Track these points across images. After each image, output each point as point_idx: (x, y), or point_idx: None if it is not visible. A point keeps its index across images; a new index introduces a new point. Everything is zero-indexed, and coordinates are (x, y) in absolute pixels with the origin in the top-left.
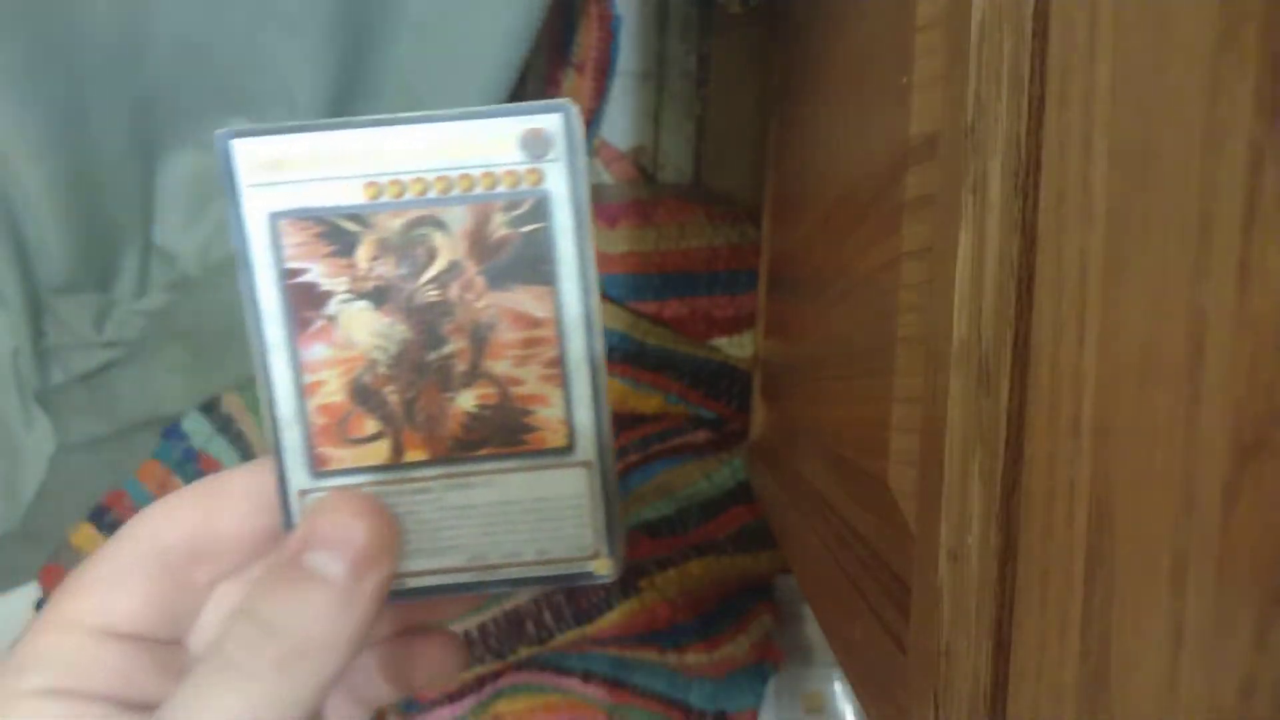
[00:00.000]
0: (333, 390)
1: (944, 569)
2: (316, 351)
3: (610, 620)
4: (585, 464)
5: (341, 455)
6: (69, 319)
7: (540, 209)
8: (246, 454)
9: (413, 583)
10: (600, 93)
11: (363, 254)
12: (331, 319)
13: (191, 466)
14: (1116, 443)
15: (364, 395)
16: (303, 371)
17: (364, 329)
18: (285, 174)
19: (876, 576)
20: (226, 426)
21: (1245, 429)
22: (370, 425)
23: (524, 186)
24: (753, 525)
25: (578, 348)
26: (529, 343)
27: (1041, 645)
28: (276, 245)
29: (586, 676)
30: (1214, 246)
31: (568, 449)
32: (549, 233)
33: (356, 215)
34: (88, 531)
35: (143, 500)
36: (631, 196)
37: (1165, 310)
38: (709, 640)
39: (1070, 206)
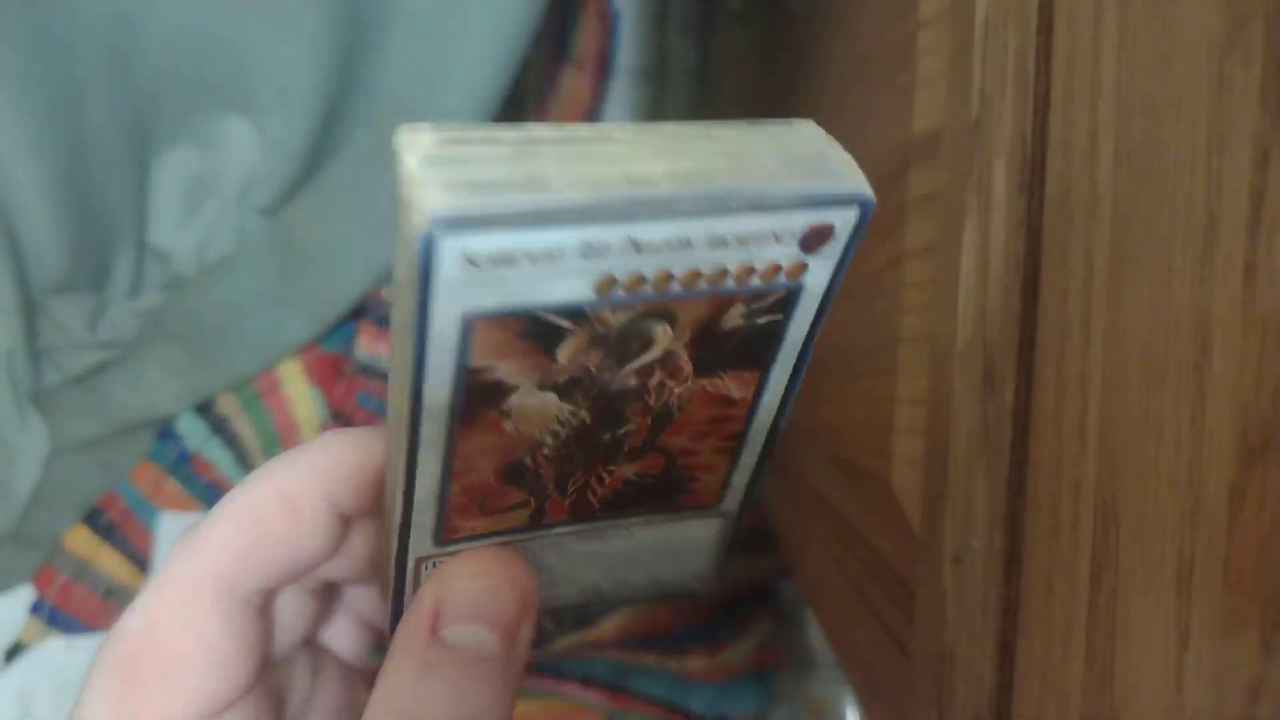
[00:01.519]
0: (483, 473)
1: (948, 572)
2: (476, 443)
3: (610, 624)
4: (724, 515)
5: (473, 525)
6: (63, 319)
7: (788, 302)
8: (241, 456)
9: None
10: (599, 90)
11: (567, 351)
12: (505, 413)
13: (186, 468)
14: (1122, 444)
15: (517, 475)
16: (454, 460)
17: (540, 418)
18: (499, 272)
19: (879, 579)
20: (221, 428)
21: (1251, 430)
22: (514, 497)
23: (780, 280)
24: (754, 528)
25: (762, 423)
26: (715, 420)
27: (1046, 648)
28: (463, 347)
29: (586, 681)
30: (1219, 245)
31: (715, 505)
32: (783, 325)
33: (575, 313)
34: (82, 534)
35: (136, 502)
36: None
37: (1171, 310)
38: (710, 645)
39: (1075, 205)
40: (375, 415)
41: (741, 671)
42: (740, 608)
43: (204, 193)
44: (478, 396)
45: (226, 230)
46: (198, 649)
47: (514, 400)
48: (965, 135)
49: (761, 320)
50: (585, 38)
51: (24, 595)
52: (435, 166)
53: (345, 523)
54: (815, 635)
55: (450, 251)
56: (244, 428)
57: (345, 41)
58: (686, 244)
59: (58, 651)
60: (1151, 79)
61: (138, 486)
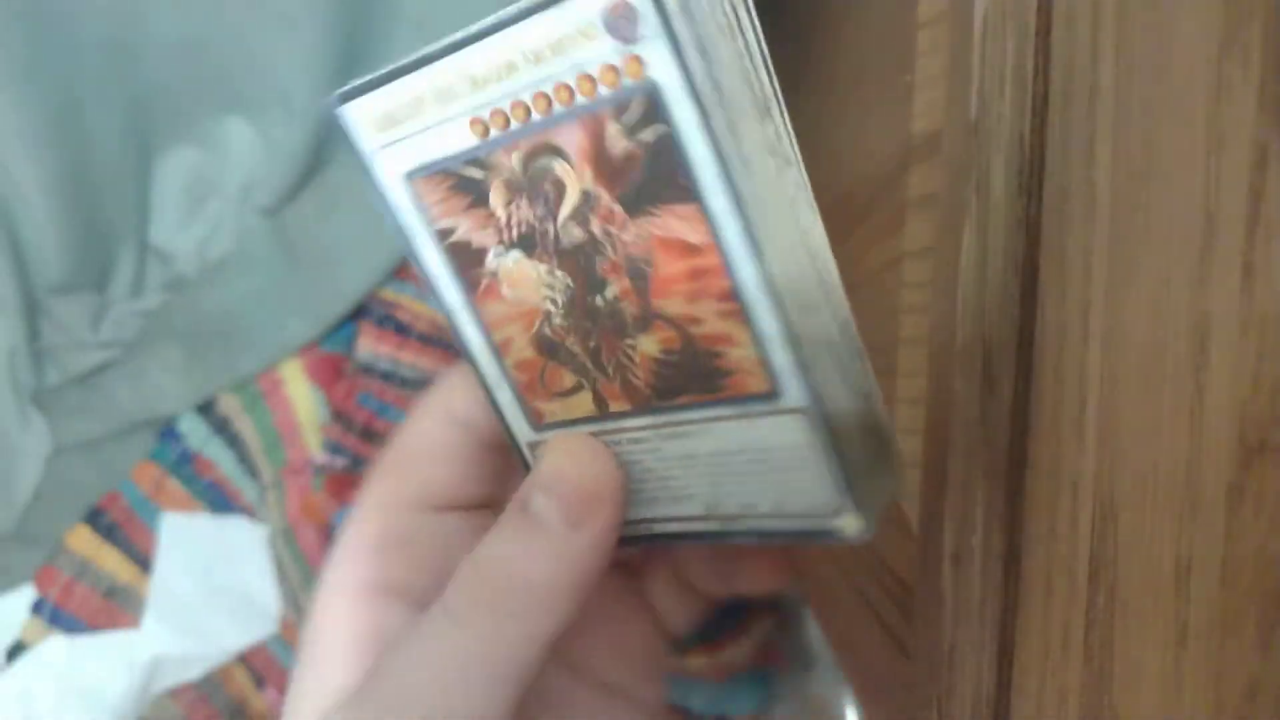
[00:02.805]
0: (521, 346)
1: (947, 571)
2: (494, 309)
3: None
4: (796, 411)
5: (552, 409)
6: (65, 319)
7: (656, 108)
8: (244, 456)
9: (653, 529)
10: None
11: (496, 200)
12: (494, 275)
13: (188, 468)
14: (1120, 444)
15: (551, 348)
16: (489, 330)
17: (526, 280)
18: (401, 128)
19: (879, 579)
20: (223, 428)
21: (1249, 430)
22: (567, 378)
23: (626, 81)
24: None
25: (748, 274)
26: (694, 274)
27: (1045, 648)
28: (420, 207)
29: None
30: (1218, 246)
31: (771, 394)
32: (674, 135)
33: (475, 159)
34: (83, 533)
35: (138, 502)
36: None
37: (1169, 311)
38: (710, 644)
39: (1074, 205)
40: (376, 415)
41: (741, 670)
42: (740, 607)
43: (205, 193)
44: (461, 260)
45: (228, 231)
46: (423, 450)
47: (491, 262)
48: (964, 136)
49: (646, 136)
50: None
51: (25, 595)
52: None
53: (494, 449)
54: (816, 635)
55: (354, 114)
56: (245, 427)
57: (346, 42)
58: (511, 65)
59: (59, 651)
60: (1150, 80)
61: (139, 486)
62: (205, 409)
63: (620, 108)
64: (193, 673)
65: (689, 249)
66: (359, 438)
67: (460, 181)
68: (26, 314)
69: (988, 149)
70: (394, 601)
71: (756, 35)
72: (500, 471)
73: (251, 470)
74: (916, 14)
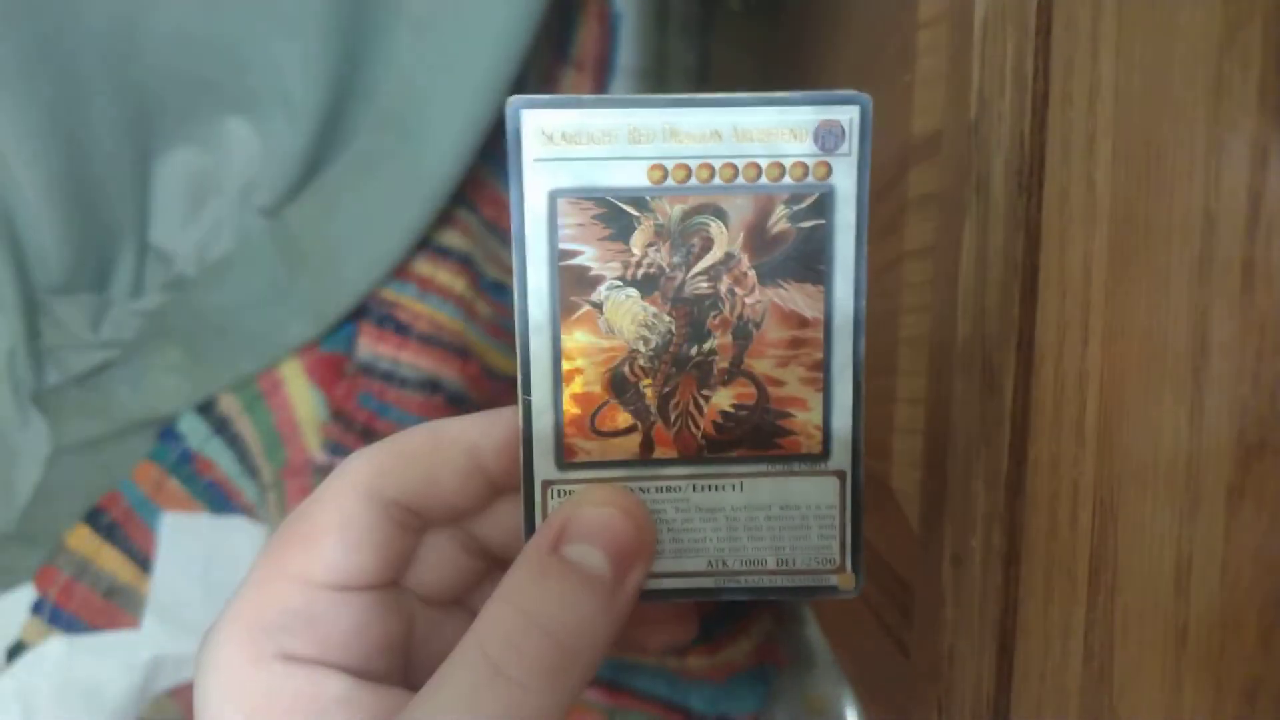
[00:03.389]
0: (590, 380)
1: (947, 571)
2: (578, 338)
3: None
4: (838, 473)
5: (589, 447)
6: (65, 319)
7: (823, 204)
8: (243, 456)
9: (656, 584)
10: (600, 91)
11: (639, 240)
12: (598, 305)
13: (187, 468)
14: (1120, 443)
15: (621, 387)
16: (562, 358)
17: (630, 318)
18: (570, 149)
19: (879, 579)
20: (223, 428)
21: (1249, 429)
22: (623, 419)
23: (810, 180)
24: None
25: (843, 351)
26: (795, 343)
27: (1045, 648)
28: (553, 224)
29: None
30: (1217, 245)
31: (822, 456)
32: (829, 230)
33: (638, 199)
34: (83, 533)
35: (138, 502)
36: None
37: (1169, 310)
38: (710, 643)
39: (1074, 205)
40: (376, 415)
41: (741, 670)
42: (740, 606)
43: (205, 193)
44: (570, 282)
45: (228, 231)
46: (334, 526)
47: (603, 293)
48: (964, 136)
49: (806, 224)
50: (585, 39)
51: (25, 595)
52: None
53: (489, 483)
54: (815, 634)
55: (528, 123)
56: (245, 428)
57: (346, 43)
58: (717, 134)
59: (59, 651)
60: (1149, 80)
61: (139, 486)
62: (205, 409)
63: (795, 197)
64: (193, 672)
65: (800, 321)
66: (359, 438)
67: (609, 212)
68: (27, 314)
69: (988, 149)
70: (294, 669)
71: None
72: (409, 554)
73: (251, 470)
74: (916, 14)
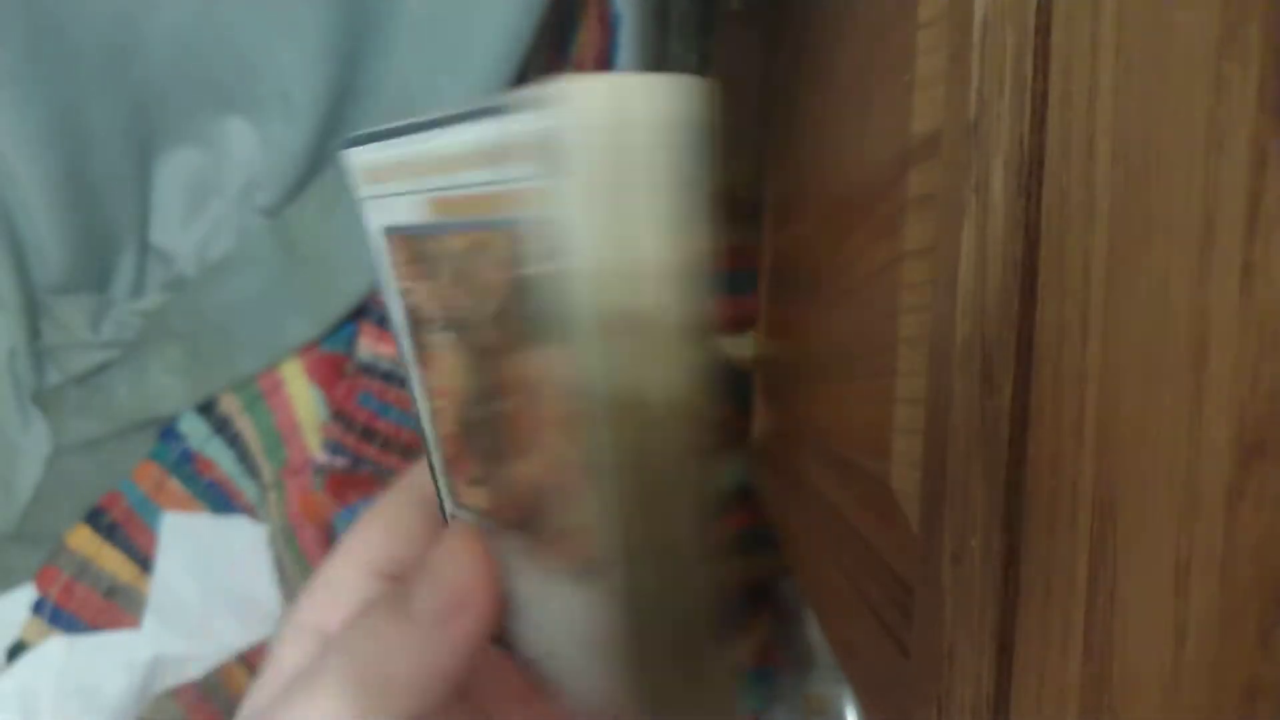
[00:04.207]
0: (449, 421)
1: (947, 571)
2: (433, 377)
3: None
4: (601, 575)
5: (463, 491)
6: (65, 319)
7: (554, 244)
8: (243, 455)
9: (513, 644)
10: None
11: (443, 281)
12: (432, 350)
13: (188, 468)
14: (1119, 443)
15: (470, 436)
16: (429, 395)
17: (451, 363)
18: (382, 186)
19: (878, 579)
20: (224, 427)
21: (1249, 429)
22: (474, 469)
23: (539, 211)
24: (753, 527)
25: (603, 441)
26: (563, 419)
27: (1044, 647)
28: (391, 262)
29: None
30: (1217, 246)
31: (589, 567)
32: (565, 277)
33: (433, 235)
34: (84, 533)
35: (139, 501)
36: None
37: (1168, 310)
38: None
39: (1073, 205)
40: (376, 415)
41: (741, 670)
42: (740, 607)
43: (206, 193)
44: (414, 322)
45: (228, 231)
46: (341, 594)
47: (435, 335)
48: (963, 136)
49: (540, 270)
50: (586, 40)
51: (26, 594)
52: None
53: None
54: (815, 634)
55: (350, 162)
56: (246, 427)
57: (346, 43)
58: (460, 159)
59: (59, 651)
60: (1149, 80)
61: (140, 486)
62: (206, 409)
63: (533, 235)
64: (193, 672)
65: (561, 390)
66: (359, 437)
67: (419, 251)
68: (27, 314)
69: (987, 149)
70: None
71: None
72: None
73: (252, 470)
74: (916, 14)
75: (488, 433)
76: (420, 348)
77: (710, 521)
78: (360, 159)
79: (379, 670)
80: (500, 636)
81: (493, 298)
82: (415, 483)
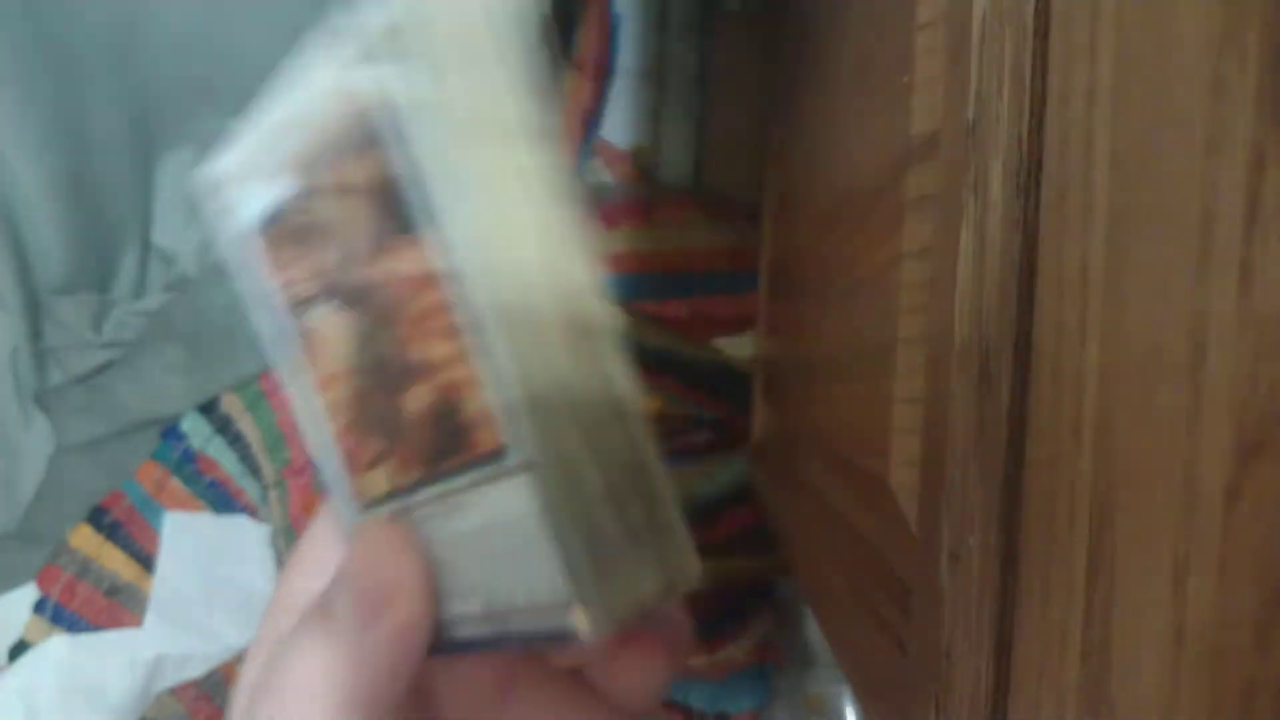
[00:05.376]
0: (342, 409)
1: (945, 570)
2: (320, 367)
3: None
4: (524, 467)
5: (365, 483)
6: (68, 319)
7: (388, 131)
8: (245, 455)
9: (452, 633)
10: (600, 92)
11: (317, 245)
12: (315, 330)
13: (190, 467)
14: (1118, 443)
15: (364, 410)
16: (317, 391)
17: (339, 331)
18: (237, 186)
19: (877, 577)
20: (225, 427)
21: (1247, 429)
22: (373, 445)
23: (368, 106)
24: (753, 527)
25: (485, 301)
26: (426, 313)
27: (1043, 646)
28: (252, 265)
29: None
30: (1215, 246)
31: (501, 450)
32: (403, 161)
33: (290, 207)
34: (86, 532)
35: (141, 501)
36: (631, 196)
37: (1167, 310)
38: (710, 642)
39: (1072, 206)
40: None
41: (741, 669)
42: (740, 606)
43: None
44: (287, 315)
45: None
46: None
47: (314, 315)
48: (962, 137)
49: (375, 168)
50: (586, 40)
51: (28, 593)
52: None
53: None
54: (814, 633)
55: (198, 186)
56: (248, 427)
57: None
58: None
59: (62, 649)
60: (1147, 81)
61: (142, 485)
62: (207, 408)
63: (362, 134)
64: (195, 671)
65: (416, 281)
66: None
67: (283, 231)
68: (29, 314)
69: (985, 150)
70: None
71: (524, 62)
72: None
73: (253, 469)
74: (915, 15)
75: (381, 383)
76: (303, 341)
77: (622, 370)
78: (209, 175)
79: (314, 695)
80: (447, 640)
81: (362, 215)
82: None
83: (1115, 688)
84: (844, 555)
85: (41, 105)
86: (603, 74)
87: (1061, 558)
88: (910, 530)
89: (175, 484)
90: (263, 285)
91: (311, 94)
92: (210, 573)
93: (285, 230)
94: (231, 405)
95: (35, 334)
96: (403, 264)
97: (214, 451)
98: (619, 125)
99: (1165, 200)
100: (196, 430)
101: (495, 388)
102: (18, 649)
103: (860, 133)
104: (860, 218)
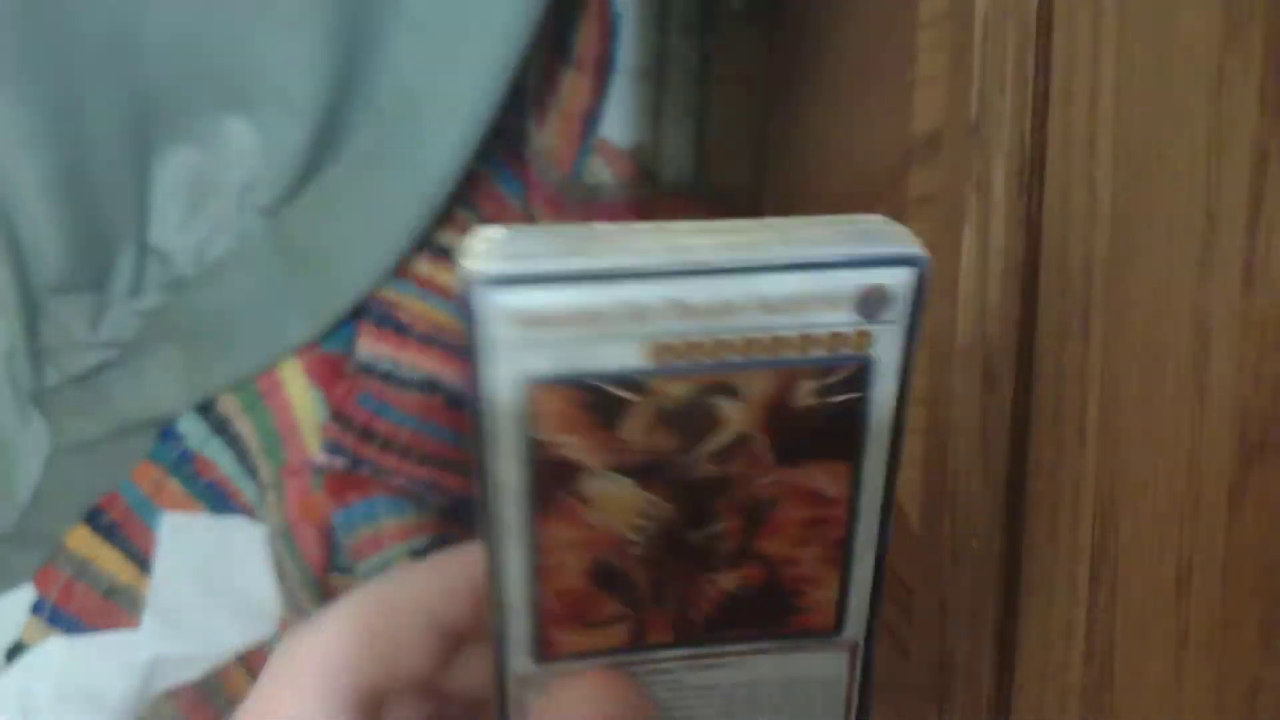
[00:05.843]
0: (571, 574)
1: (947, 571)
2: (557, 532)
3: None
4: (850, 646)
5: (573, 640)
6: (64, 319)
7: (860, 378)
8: (242, 456)
9: None
10: (600, 91)
11: (635, 425)
12: (585, 499)
13: (187, 468)
14: (1121, 444)
15: (608, 576)
16: (540, 554)
17: (623, 508)
18: (548, 332)
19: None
20: (223, 428)
21: (1250, 430)
22: (611, 608)
23: (845, 351)
24: None
25: (869, 529)
26: (813, 522)
27: (1046, 648)
28: (527, 414)
29: None
30: (1218, 246)
31: (834, 631)
32: (864, 405)
33: (634, 382)
34: (83, 533)
35: (138, 502)
36: (631, 196)
37: (1170, 310)
38: None
39: (1074, 205)
40: (375, 415)
41: None
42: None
43: (205, 193)
44: (549, 476)
45: (227, 231)
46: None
47: (589, 484)
48: (965, 136)
49: (837, 398)
50: (585, 38)
51: (25, 595)
52: (492, 248)
53: (452, 639)
54: None
55: (496, 307)
56: (245, 428)
57: (346, 42)
58: (731, 308)
59: (58, 651)
60: (1150, 80)
61: (139, 486)
62: (205, 409)
63: (826, 370)
64: (192, 673)
65: (821, 500)
66: (358, 438)
67: (598, 399)
68: (26, 314)
69: (988, 148)
70: None
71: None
72: None
73: (251, 470)
74: (917, 14)
75: (681, 556)
76: (545, 504)
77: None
78: (511, 302)
79: None
80: None
81: (730, 430)
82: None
83: (1118, 690)
84: None
85: (37, 102)
86: (602, 72)
87: (1064, 558)
88: (912, 531)
89: (173, 485)
90: (520, 434)
91: (760, 301)
92: (208, 574)
93: (590, 396)
94: (229, 406)
95: (31, 334)
96: (810, 480)
97: (211, 452)
98: (619, 124)
99: (1168, 199)
100: (194, 431)
101: (852, 591)
102: (15, 650)
103: (862, 131)
104: None
